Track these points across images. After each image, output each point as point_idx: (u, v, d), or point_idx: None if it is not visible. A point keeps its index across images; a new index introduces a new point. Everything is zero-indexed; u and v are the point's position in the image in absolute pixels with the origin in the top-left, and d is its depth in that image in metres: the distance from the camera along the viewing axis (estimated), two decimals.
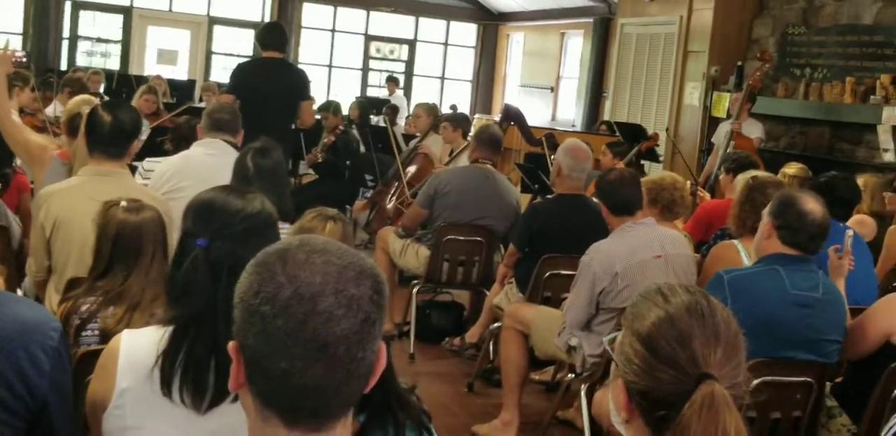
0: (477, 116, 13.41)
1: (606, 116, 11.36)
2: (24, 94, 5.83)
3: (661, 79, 10.47)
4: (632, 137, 7.76)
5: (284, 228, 3.23)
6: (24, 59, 4.54)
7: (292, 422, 1.11)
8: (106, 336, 2.29)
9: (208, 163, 4.11)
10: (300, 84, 5.91)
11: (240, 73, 5.93)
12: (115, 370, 1.79)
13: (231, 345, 1.14)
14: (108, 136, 3.28)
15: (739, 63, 9.11)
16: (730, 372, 1.31)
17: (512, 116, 7.50)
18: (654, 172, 7.68)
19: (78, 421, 1.90)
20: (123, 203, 2.58)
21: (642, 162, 8.03)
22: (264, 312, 1.08)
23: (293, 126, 6.15)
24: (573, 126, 12.76)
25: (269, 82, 5.70)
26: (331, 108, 8.09)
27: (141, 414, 1.77)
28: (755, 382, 3.03)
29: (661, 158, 9.13)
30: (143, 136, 6.13)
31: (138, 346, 1.81)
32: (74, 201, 3.19)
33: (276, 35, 6.03)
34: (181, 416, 1.74)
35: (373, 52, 15.49)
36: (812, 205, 3.08)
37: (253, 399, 1.13)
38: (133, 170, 4.85)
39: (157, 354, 1.76)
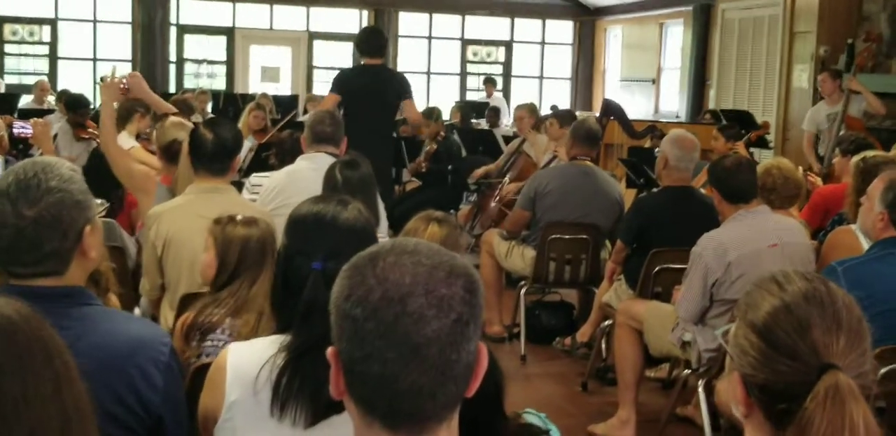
0: (577, 113, 13.26)
1: (711, 105, 11.09)
2: (145, 120, 5.94)
3: (767, 63, 10.17)
4: (739, 124, 7.54)
5: (379, 237, 3.25)
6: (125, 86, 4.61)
7: (393, 427, 1.10)
8: None
9: (313, 177, 4.15)
10: (400, 88, 5.92)
11: (341, 78, 5.99)
12: (223, 383, 1.82)
13: (329, 351, 1.14)
14: (212, 153, 3.35)
15: (850, 41, 8.75)
16: (855, 361, 1.23)
17: (611, 111, 7.40)
18: (765, 160, 7.46)
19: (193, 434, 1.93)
20: (239, 217, 2.66)
21: (751, 150, 7.80)
22: (355, 315, 1.08)
23: (395, 133, 6.17)
24: (677, 117, 12.50)
25: (370, 89, 5.72)
26: (432, 115, 8.12)
27: (250, 426, 1.79)
28: (883, 370, 2.90)
29: (772, 145, 8.85)
30: (251, 153, 6.28)
31: (246, 359, 1.83)
32: (183, 219, 3.27)
33: (374, 41, 6.01)
34: (288, 428, 1.76)
35: (470, 55, 15.51)
36: None
37: (355, 405, 1.13)
38: (240, 186, 4.96)
39: (270, 372, 1.76)
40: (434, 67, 15.29)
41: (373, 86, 5.76)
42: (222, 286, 2.57)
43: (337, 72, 6.60)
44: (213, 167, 3.36)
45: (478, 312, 1.11)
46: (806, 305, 1.27)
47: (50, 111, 8.92)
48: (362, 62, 6.03)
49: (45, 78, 12.78)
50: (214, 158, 3.35)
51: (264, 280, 2.50)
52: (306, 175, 4.12)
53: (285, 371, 1.74)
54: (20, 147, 5.42)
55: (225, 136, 3.37)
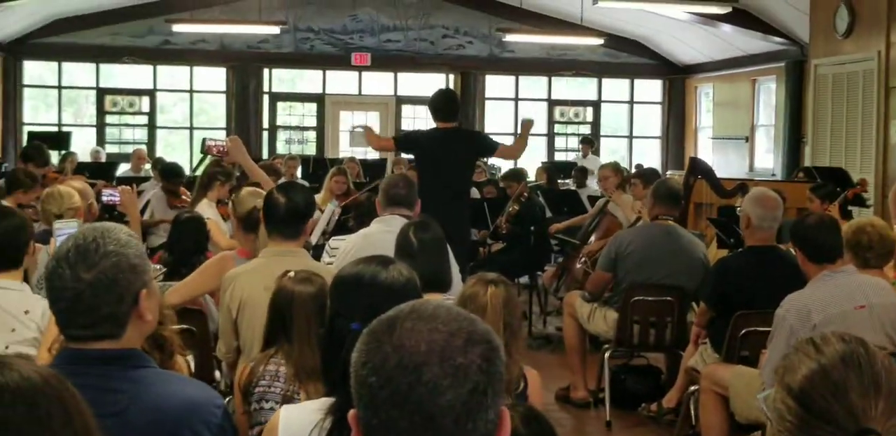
0: (669, 172, 13.12)
1: (808, 162, 10.83)
2: (224, 188, 6.13)
3: (863, 118, 9.92)
4: (834, 182, 7.32)
5: (449, 300, 3.21)
6: (224, 148, 4.80)
7: None
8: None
9: (387, 240, 4.16)
10: (479, 145, 5.96)
11: (412, 136, 6.07)
12: None
13: (350, 415, 1.11)
14: (284, 217, 3.39)
15: None
16: (895, 426, 1.18)
17: (699, 170, 7.26)
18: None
19: None
20: (291, 274, 2.66)
21: (849, 208, 7.55)
22: (371, 383, 1.06)
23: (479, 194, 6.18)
24: (773, 175, 12.23)
25: (444, 151, 5.75)
26: (517, 176, 8.12)
27: None
28: None
29: (870, 203, 8.55)
30: (335, 216, 6.37)
31: (296, 420, 1.84)
32: (257, 282, 3.30)
33: (447, 105, 6.02)
34: None
35: (557, 116, 15.55)
36: None
37: None
38: (320, 249, 5.01)
39: (319, 434, 1.75)
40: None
41: (447, 148, 5.78)
42: (266, 343, 2.62)
43: None
44: (285, 231, 3.40)
45: (496, 380, 1.07)
46: (843, 367, 1.23)
47: (146, 178, 9.25)
48: (436, 126, 6.06)
49: (144, 147, 13.33)
50: (287, 221, 3.40)
51: (299, 341, 2.50)
52: (380, 238, 4.13)
53: (332, 434, 1.73)
54: (114, 214, 5.63)
55: (297, 200, 3.41)
